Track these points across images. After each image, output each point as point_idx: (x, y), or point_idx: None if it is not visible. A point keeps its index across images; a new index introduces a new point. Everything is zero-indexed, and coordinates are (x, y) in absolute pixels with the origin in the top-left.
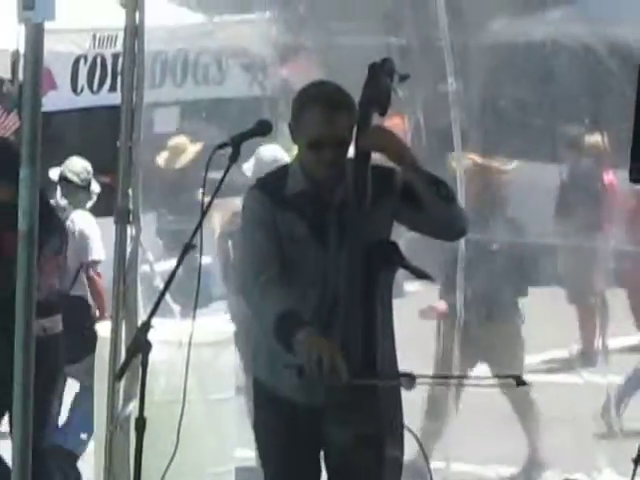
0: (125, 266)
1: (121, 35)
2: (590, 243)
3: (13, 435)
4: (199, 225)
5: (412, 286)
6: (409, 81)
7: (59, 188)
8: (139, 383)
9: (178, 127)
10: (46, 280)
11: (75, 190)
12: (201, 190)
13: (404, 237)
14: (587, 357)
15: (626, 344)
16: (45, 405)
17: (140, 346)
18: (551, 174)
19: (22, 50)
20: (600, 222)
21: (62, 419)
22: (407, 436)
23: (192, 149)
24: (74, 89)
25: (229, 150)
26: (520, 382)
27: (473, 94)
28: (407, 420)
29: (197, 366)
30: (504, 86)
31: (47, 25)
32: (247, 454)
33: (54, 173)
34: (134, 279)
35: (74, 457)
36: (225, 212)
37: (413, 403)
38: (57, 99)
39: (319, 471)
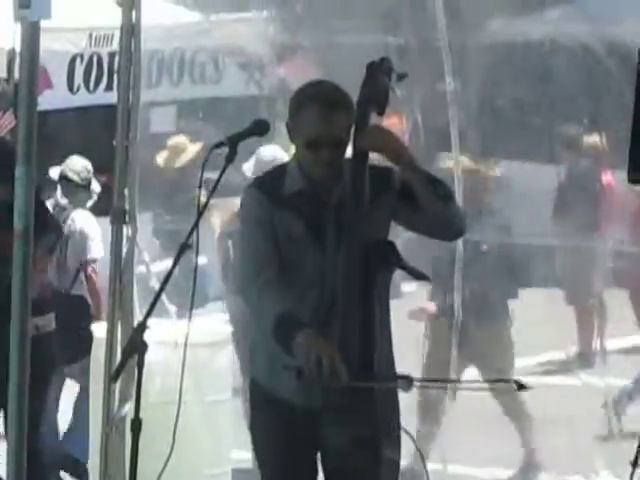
0: (121, 266)
1: (117, 34)
2: (588, 244)
3: (7, 435)
4: (195, 225)
5: (409, 287)
6: (407, 80)
7: (59, 187)
8: (135, 384)
9: (175, 127)
10: (39, 278)
11: (75, 189)
12: (199, 190)
13: (402, 237)
14: (585, 359)
15: (624, 345)
16: (39, 405)
17: (136, 347)
18: (549, 175)
19: (18, 49)
20: (598, 223)
21: (63, 422)
22: (403, 438)
23: (192, 149)
24: (70, 88)
25: (226, 150)
26: (521, 386)
27: (471, 94)
28: (402, 422)
29: (193, 367)
30: (502, 86)
31: (43, 24)
32: (243, 456)
33: (54, 172)
34: (130, 279)
35: (83, 466)
36: (225, 212)
37: (407, 405)
38: (53, 98)
39: (316, 473)
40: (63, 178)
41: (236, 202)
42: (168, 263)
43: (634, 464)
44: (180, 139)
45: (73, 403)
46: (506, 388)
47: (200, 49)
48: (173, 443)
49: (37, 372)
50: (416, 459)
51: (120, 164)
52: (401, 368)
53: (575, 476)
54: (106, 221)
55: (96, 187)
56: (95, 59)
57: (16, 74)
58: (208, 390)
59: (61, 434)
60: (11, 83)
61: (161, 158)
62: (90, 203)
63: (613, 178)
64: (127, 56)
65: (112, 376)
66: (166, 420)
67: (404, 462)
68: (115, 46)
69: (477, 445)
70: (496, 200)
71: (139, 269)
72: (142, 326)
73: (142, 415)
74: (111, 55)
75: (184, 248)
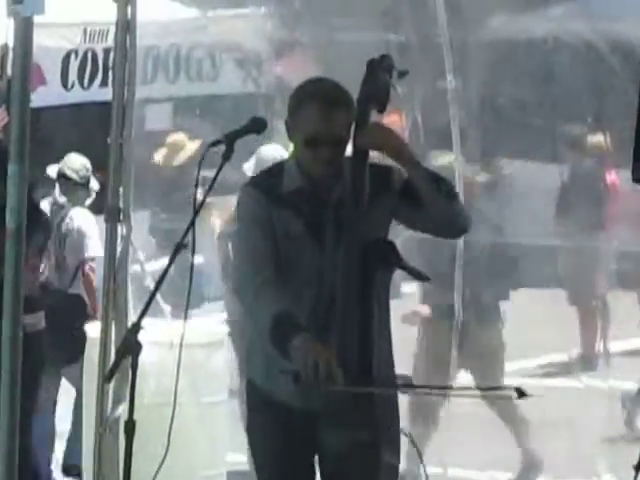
0: (115, 265)
1: (112, 29)
2: (591, 244)
3: None
4: (191, 224)
5: (409, 287)
6: (407, 78)
7: (57, 185)
8: (129, 385)
9: (171, 124)
10: (29, 276)
11: (74, 187)
12: (196, 189)
13: (402, 236)
14: (587, 361)
15: (627, 348)
16: (29, 405)
17: (130, 347)
18: (552, 174)
19: (11, 44)
20: (602, 223)
21: (64, 425)
22: (402, 441)
23: (191, 146)
24: (64, 84)
25: (224, 148)
26: (521, 394)
27: (472, 92)
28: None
29: (188, 368)
30: (504, 84)
31: (36, 19)
32: (239, 458)
33: (52, 170)
34: (124, 279)
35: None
36: (225, 212)
37: (402, 407)
38: (47, 95)
39: (313, 476)
40: (61, 176)
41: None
42: (164, 262)
43: (637, 468)
44: (179, 137)
45: (72, 411)
46: (504, 394)
47: (197, 45)
48: (168, 445)
49: (26, 371)
50: (415, 461)
51: (114, 162)
52: (401, 369)
53: (577, 479)
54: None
55: (95, 185)
56: (90, 55)
57: (9, 70)
58: (204, 391)
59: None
60: (4, 79)
61: (160, 156)
62: (89, 201)
63: (617, 177)
64: (122, 52)
65: (106, 377)
66: (161, 422)
67: (403, 465)
68: (110, 42)
69: (477, 448)
70: (487, 203)
71: (134, 268)
72: (136, 326)
73: (136, 416)
74: (106, 51)
75: (179, 248)
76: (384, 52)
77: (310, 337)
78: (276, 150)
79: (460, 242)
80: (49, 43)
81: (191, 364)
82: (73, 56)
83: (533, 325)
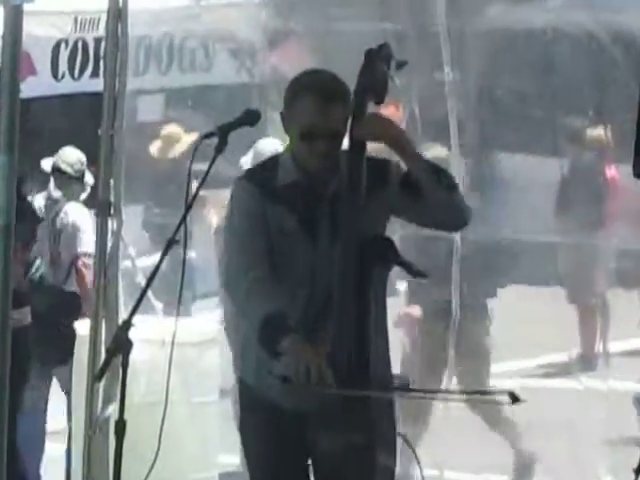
0: (106, 261)
1: (104, 18)
2: (591, 241)
3: None
4: (183, 219)
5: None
6: (405, 68)
7: (52, 179)
8: (119, 384)
9: (164, 116)
10: (16, 270)
11: (69, 181)
12: (191, 182)
13: (398, 233)
14: (587, 361)
15: (627, 348)
16: (15, 401)
17: (121, 345)
18: (551, 168)
19: (0, 33)
20: (602, 219)
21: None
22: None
23: (187, 139)
24: (54, 75)
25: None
26: (514, 399)
27: (470, 84)
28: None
29: (180, 367)
30: (503, 76)
31: (26, 7)
32: (231, 460)
33: (47, 164)
34: (115, 275)
35: None
36: (222, 207)
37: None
38: (36, 85)
39: (307, 478)
40: (56, 170)
41: None
42: (156, 258)
43: (637, 471)
44: (174, 129)
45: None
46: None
47: (189, 35)
48: (159, 446)
49: (12, 367)
50: (409, 464)
51: (105, 154)
52: (397, 367)
53: None
54: None
55: (90, 179)
56: (80, 45)
57: None
58: (195, 391)
59: None
60: None
61: (154, 148)
62: (84, 196)
63: (617, 172)
64: (114, 41)
65: (96, 376)
66: (151, 422)
67: (399, 467)
68: (101, 31)
69: (473, 451)
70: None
71: (124, 264)
72: (127, 323)
73: (126, 416)
74: (97, 40)
75: (171, 243)
76: (382, 42)
77: (299, 338)
78: (274, 144)
79: (457, 239)
80: (39, 32)
81: (182, 363)
82: (63, 45)
83: (532, 324)
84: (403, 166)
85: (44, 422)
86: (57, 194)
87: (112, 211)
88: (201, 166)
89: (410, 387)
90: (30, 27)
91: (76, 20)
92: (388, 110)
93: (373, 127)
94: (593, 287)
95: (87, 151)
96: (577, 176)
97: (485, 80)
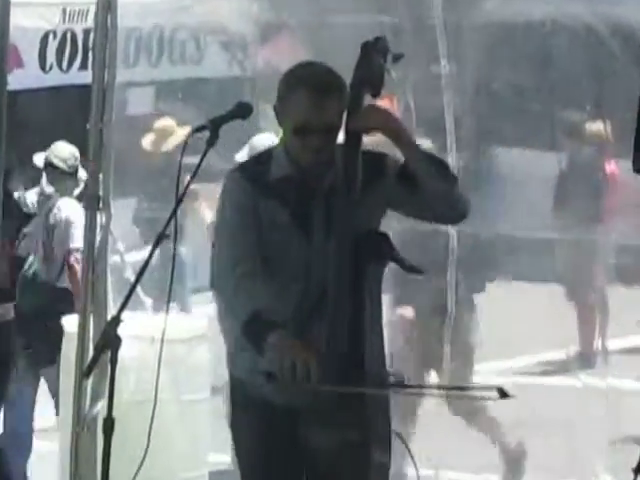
0: (94, 256)
1: (93, 9)
2: (590, 236)
3: None
4: (173, 212)
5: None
6: (401, 61)
7: (44, 175)
8: (108, 381)
9: (154, 108)
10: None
11: (62, 177)
12: (183, 176)
13: (393, 229)
14: (585, 358)
15: (626, 345)
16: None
17: (109, 341)
18: (549, 163)
19: None
20: (601, 214)
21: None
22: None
23: (181, 132)
24: (42, 67)
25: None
26: (503, 394)
27: (467, 77)
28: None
29: (170, 364)
30: (500, 68)
31: None
32: (221, 458)
33: (39, 159)
34: (103, 270)
35: None
36: (214, 200)
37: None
38: (24, 77)
39: (300, 476)
40: (48, 165)
41: None
42: (146, 253)
43: (636, 471)
44: (168, 122)
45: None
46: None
47: (180, 27)
48: (148, 444)
49: None
50: (404, 462)
51: (94, 148)
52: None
53: None
54: None
55: (83, 175)
56: (69, 36)
57: None
58: (185, 389)
59: None
60: None
61: (147, 141)
62: (77, 191)
63: (617, 167)
64: (103, 33)
65: (84, 372)
66: (140, 420)
67: (393, 465)
68: (90, 22)
69: (469, 451)
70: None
71: (113, 259)
72: (116, 319)
73: (115, 414)
74: (86, 32)
75: (161, 238)
76: (378, 34)
77: (286, 334)
78: (269, 139)
79: (454, 234)
80: (26, 23)
81: (172, 360)
82: (51, 37)
83: (530, 321)
84: (400, 159)
85: (31, 420)
86: (50, 190)
87: (101, 205)
88: (193, 159)
89: (405, 384)
90: (17, 18)
91: (64, 11)
92: (382, 103)
93: (371, 118)
94: (592, 284)
95: (76, 144)
96: (575, 171)
97: (482, 73)
